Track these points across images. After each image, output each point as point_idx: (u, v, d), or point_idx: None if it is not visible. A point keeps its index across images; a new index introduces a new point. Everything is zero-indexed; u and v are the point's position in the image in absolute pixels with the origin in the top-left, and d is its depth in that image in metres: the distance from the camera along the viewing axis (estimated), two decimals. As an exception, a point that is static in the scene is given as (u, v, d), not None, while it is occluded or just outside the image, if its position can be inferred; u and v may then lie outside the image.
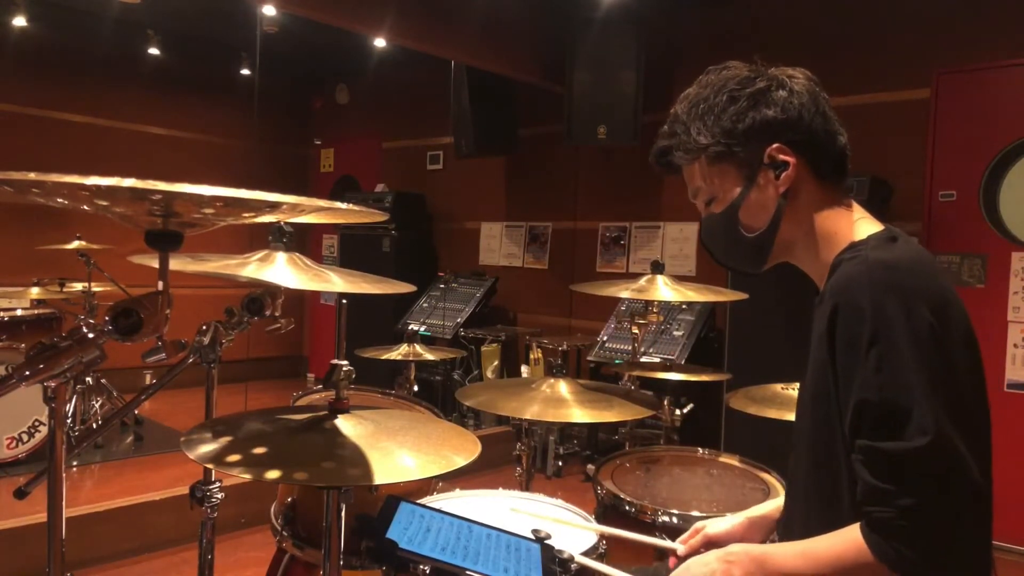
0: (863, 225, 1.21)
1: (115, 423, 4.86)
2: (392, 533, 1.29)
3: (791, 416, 2.00)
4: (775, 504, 1.43)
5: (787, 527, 1.30)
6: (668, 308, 4.65)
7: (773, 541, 1.38)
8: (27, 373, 1.00)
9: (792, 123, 1.20)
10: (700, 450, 2.27)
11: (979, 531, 1.06)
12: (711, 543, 1.36)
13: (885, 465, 1.01)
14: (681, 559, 1.33)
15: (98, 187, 0.87)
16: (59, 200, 1.01)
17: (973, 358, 1.10)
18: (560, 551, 1.36)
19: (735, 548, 1.20)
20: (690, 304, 4.67)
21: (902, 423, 1.00)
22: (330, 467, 1.21)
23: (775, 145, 1.21)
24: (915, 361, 1.01)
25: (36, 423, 4.08)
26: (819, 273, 1.24)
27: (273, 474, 1.18)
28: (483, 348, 5.40)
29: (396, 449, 1.28)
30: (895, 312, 1.03)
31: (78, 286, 4.64)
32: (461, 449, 1.33)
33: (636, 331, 3.05)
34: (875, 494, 1.02)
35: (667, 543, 1.45)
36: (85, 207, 1.03)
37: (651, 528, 1.78)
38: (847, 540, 1.06)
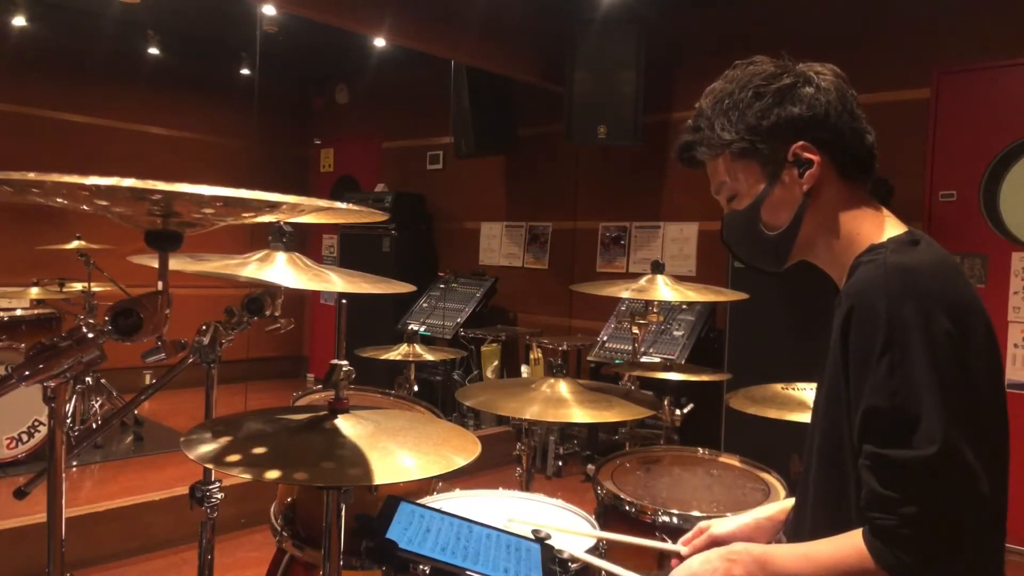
0: (887, 228, 1.19)
1: (115, 423, 4.86)
2: (392, 533, 1.29)
3: (791, 416, 2.01)
4: (781, 506, 1.43)
5: (796, 528, 1.29)
6: (668, 308, 4.65)
7: (780, 542, 1.37)
8: (27, 373, 1.00)
9: (818, 121, 1.19)
10: (700, 450, 2.27)
11: (986, 541, 1.05)
12: (716, 544, 1.35)
13: (891, 472, 1.01)
14: (683, 560, 1.33)
15: (98, 187, 0.87)
16: (59, 200, 1.01)
17: (992, 367, 1.08)
18: (560, 551, 1.36)
19: (737, 547, 1.20)
20: (690, 304, 4.67)
21: (910, 431, 0.99)
22: (330, 467, 1.21)
23: (800, 143, 1.19)
24: (928, 368, 1.00)
25: (36, 423, 4.08)
26: (839, 274, 1.23)
27: (273, 474, 1.18)
28: (483, 348, 5.39)
29: (396, 449, 1.28)
30: (912, 318, 1.02)
31: (78, 286, 4.64)
32: (461, 449, 1.33)
33: (636, 331, 3.05)
34: (879, 501, 1.01)
35: (669, 546, 1.45)
36: (85, 207, 1.02)
37: (651, 528, 1.78)
38: (849, 545, 1.05)
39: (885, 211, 1.24)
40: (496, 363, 5.39)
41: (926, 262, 1.09)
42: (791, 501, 1.38)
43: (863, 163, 1.23)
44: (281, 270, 1.58)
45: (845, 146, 1.20)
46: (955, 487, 0.99)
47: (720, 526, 1.39)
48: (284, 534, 1.81)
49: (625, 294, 2.66)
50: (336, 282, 1.62)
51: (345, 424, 1.33)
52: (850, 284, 1.12)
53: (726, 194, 1.30)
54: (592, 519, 1.73)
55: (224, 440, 1.26)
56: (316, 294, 7.12)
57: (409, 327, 3.36)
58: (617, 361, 4.55)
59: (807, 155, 1.19)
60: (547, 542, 1.39)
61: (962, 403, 1.00)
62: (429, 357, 3.23)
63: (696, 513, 1.80)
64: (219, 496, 1.63)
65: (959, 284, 1.10)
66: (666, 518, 1.78)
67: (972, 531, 1.01)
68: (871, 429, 1.04)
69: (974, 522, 1.00)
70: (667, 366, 2.80)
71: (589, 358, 4.85)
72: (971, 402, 1.02)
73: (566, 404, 2.04)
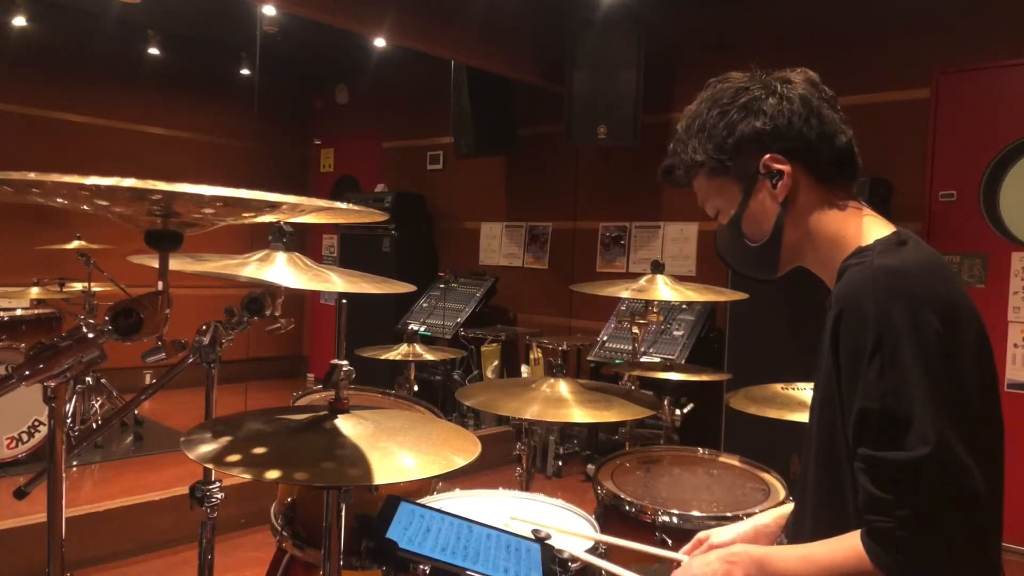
0: (872, 228, 1.19)
1: (115, 423, 4.86)
2: (392, 533, 1.29)
3: (791, 416, 2.01)
4: (781, 512, 1.43)
5: (795, 530, 1.30)
6: (668, 308, 4.65)
7: (782, 543, 1.38)
8: (27, 373, 1.00)
9: (781, 132, 1.19)
10: (700, 450, 2.27)
11: (983, 541, 1.05)
12: None
13: (885, 474, 1.01)
14: None
15: (98, 187, 0.87)
16: (59, 200, 1.01)
17: (983, 366, 1.08)
18: (560, 551, 1.36)
19: (737, 548, 1.20)
20: (690, 304, 4.67)
21: (903, 432, 0.99)
22: (330, 467, 1.21)
23: (768, 155, 1.20)
24: (919, 370, 1.00)
25: (36, 423, 4.08)
26: (829, 277, 1.23)
27: (273, 474, 1.18)
28: (483, 348, 5.39)
29: (396, 449, 1.28)
30: (901, 319, 1.02)
31: (78, 286, 4.64)
32: (461, 449, 1.33)
33: (636, 331, 3.05)
34: (875, 503, 1.01)
35: (671, 554, 1.44)
36: (85, 207, 1.02)
37: (651, 528, 1.78)
38: (847, 547, 1.06)
39: (870, 211, 1.24)
40: (496, 363, 5.39)
41: (913, 262, 1.09)
42: (791, 507, 1.39)
43: (839, 165, 1.22)
44: (281, 270, 1.58)
45: (814, 152, 1.20)
46: (950, 487, 0.99)
47: (720, 535, 1.39)
48: (284, 534, 1.81)
49: (625, 294, 2.66)
50: (336, 282, 1.62)
51: (345, 424, 1.33)
52: (839, 288, 1.12)
53: (711, 210, 1.32)
54: (592, 519, 1.73)
55: (224, 440, 1.26)
56: (316, 294, 7.12)
57: (409, 327, 3.36)
58: (617, 361, 4.55)
59: (777, 166, 1.20)
60: (547, 542, 1.40)
61: (954, 402, 1.00)
62: (429, 357, 3.23)
63: (696, 513, 1.80)
64: (219, 496, 1.62)
65: (947, 283, 1.10)
66: (666, 518, 1.78)
67: (969, 530, 1.01)
68: (864, 431, 1.04)
69: (971, 521, 1.00)
70: (667, 366, 2.80)
71: (589, 358, 4.85)
72: (963, 401, 1.02)
73: (566, 404, 2.04)
